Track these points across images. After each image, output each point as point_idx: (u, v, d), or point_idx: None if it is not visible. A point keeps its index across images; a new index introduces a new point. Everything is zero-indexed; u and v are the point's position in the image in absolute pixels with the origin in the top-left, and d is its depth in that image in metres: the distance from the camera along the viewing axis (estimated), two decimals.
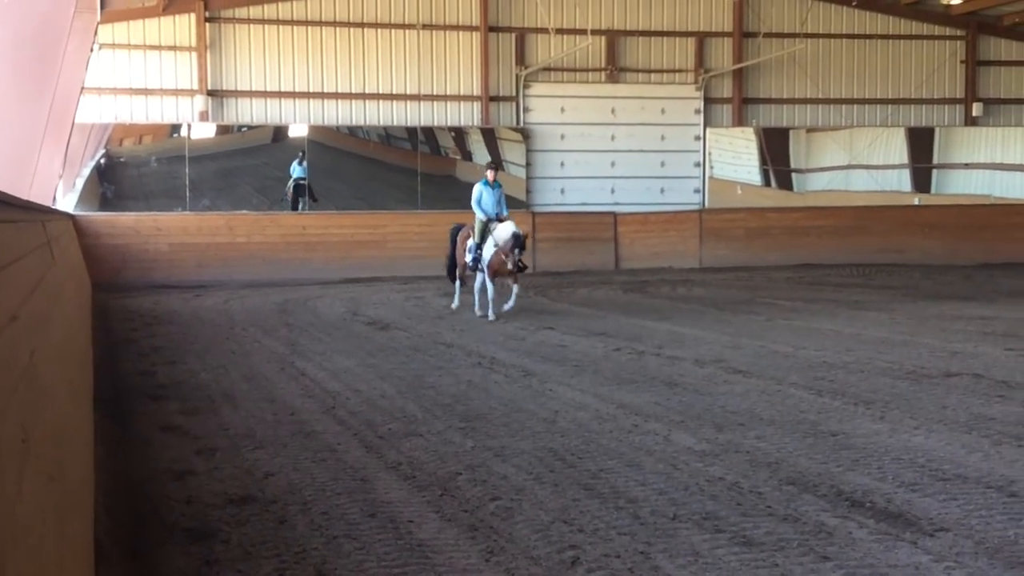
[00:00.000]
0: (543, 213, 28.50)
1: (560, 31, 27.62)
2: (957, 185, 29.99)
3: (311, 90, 27.23)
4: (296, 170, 26.71)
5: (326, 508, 6.10)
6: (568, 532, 5.56)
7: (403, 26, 27.61)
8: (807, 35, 28.90)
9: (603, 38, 28.33)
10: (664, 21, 28.91)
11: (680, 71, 29.13)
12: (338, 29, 27.35)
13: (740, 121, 29.35)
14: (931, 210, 29.47)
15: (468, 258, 16.91)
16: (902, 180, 29.98)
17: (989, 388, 9.55)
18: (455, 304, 17.79)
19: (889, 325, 14.74)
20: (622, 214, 28.76)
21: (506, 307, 16.42)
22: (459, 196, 27.96)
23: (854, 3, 29.03)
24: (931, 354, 11.70)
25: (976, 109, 30.02)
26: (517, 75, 28.28)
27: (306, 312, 17.92)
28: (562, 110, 28.55)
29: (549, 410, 8.92)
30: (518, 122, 28.45)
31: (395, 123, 27.77)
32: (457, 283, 17.78)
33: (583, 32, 26.43)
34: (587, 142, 28.75)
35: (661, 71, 29.05)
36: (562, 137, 28.63)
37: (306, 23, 27.18)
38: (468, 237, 17.04)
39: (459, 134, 28.17)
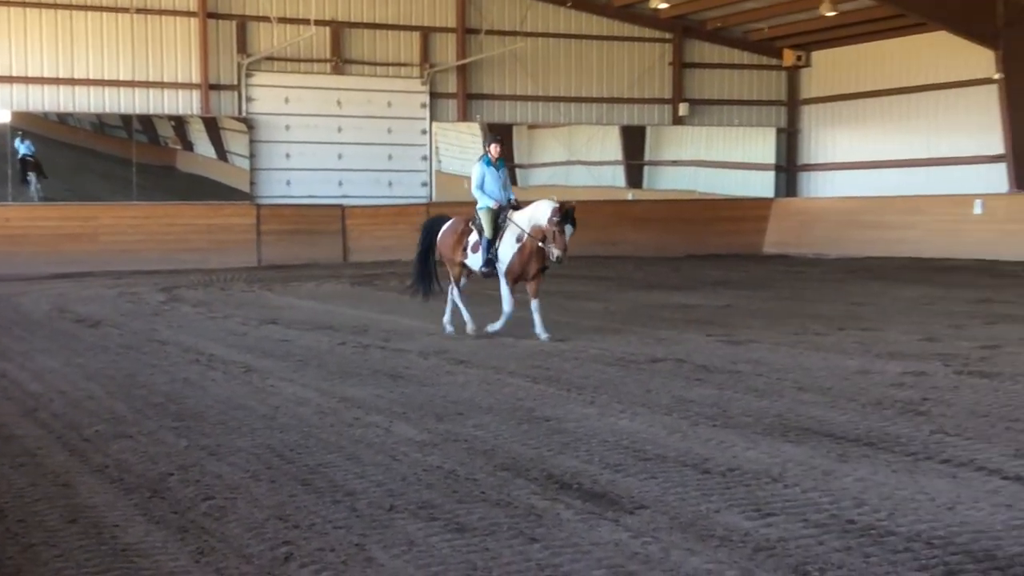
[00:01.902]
0: (268, 205, 27.98)
1: (283, 20, 27.18)
2: (666, 181, 31.71)
3: (13, 74, 25.56)
4: (21, 147, 25.23)
5: (23, 515, 5.76)
6: (283, 528, 5.49)
7: (115, 9, 26.40)
8: (527, 34, 29.75)
9: (328, 29, 28.09)
10: (389, 14, 28.98)
11: (406, 65, 29.29)
12: (43, 11, 25.81)
13: (465, 116, 29.85)
14: (642, 204, 31.01)
15: (474, 261, 13.03)
16: (617, 176, 31.38)
17: (690, 372, 10.16)
18: (466, 324, 13.16)
19: (602, 315, 15.40)
20: (350, 207, 28.65)
21: (494, 326, 12.91)
22: (179, 187, 27.07)
23: (569, 4, 30.08)
24: (639, 341, 12.31)
25: (682, 109, 31.80)
26: (239, 64, 27.60)
27: (8, 310, 16.82)
28: (287, 100, 28.11)
29: (269, 406, 8.77)
30: (241, 112, 27.78)
31: (107, 110, 26.51)
32: (453, 292, 13.37)
33: (306, 22, 26.10)
34: (313, 133, 28.44)
35: (387, 64, 29.12)
36: (287, 128, 28.19)
37: (6, 3, 25.48)
38: (465, 233, 13.19)
39: (179, 123, 27.19)
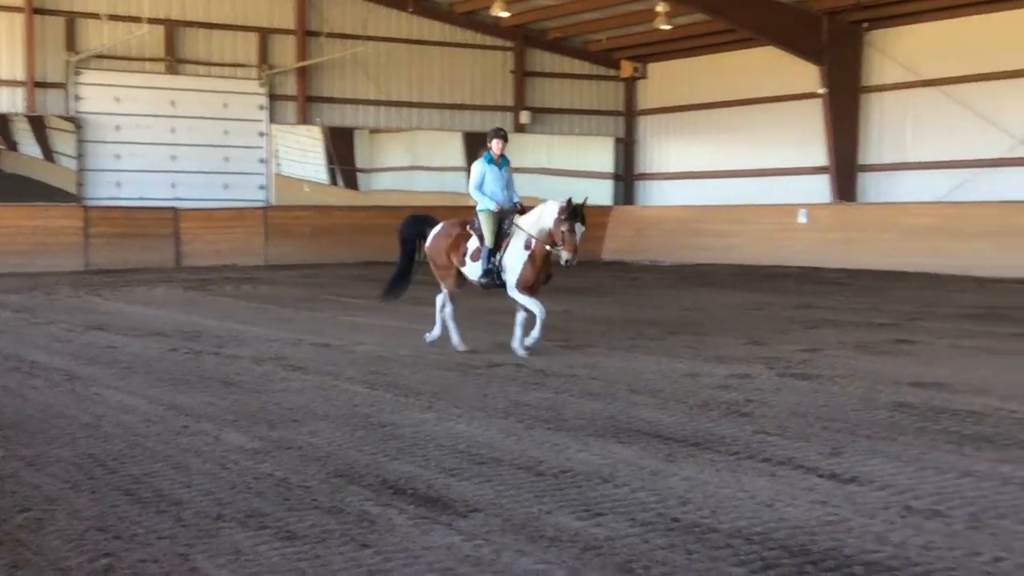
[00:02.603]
0: (97, 207, 27.03)
1: (114, 17, 26.35)
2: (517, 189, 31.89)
3: None
4: None
5: None
6: (103, 540, 5.31)
7: None
8: (368, 38, 29.59)
9: (161, 27, 27.31)
10: (225, 14, 28.40)
11: (243, 66, 28.75)
12: None
13: (305, 119, 29.47)
14: None
15: (473, 270, 11.73)
16: (460, 182, 31.47)
17: (527, 376, 10.26)
18: (455, 341, 11.94)
19: None
20: (184, 210, 27.91)
21: (530, 340, 11.48)
22: (3, 188, 25.85)
23: (410, 9, 30.05)
24: (478, 346, 12.37)
25: (524, 117, 32.16)
26: (67, 61, 26.60)
27: None
28: (117, 100, 27.23)
29: (93, 415, 8.47)
30: (68, 111, 26.75)
31: None
32: (445, 309, 11.99)
33: (139, 20, 25.35)
34: (145, 134, 27.65)
35: (223, 65, 28.52)
36: (118, 128, 27.32)
37: None
38: (462, 237, 11.85)
39: (3, 122, 26.02)
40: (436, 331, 12.11)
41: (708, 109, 31.46)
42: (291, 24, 29.09)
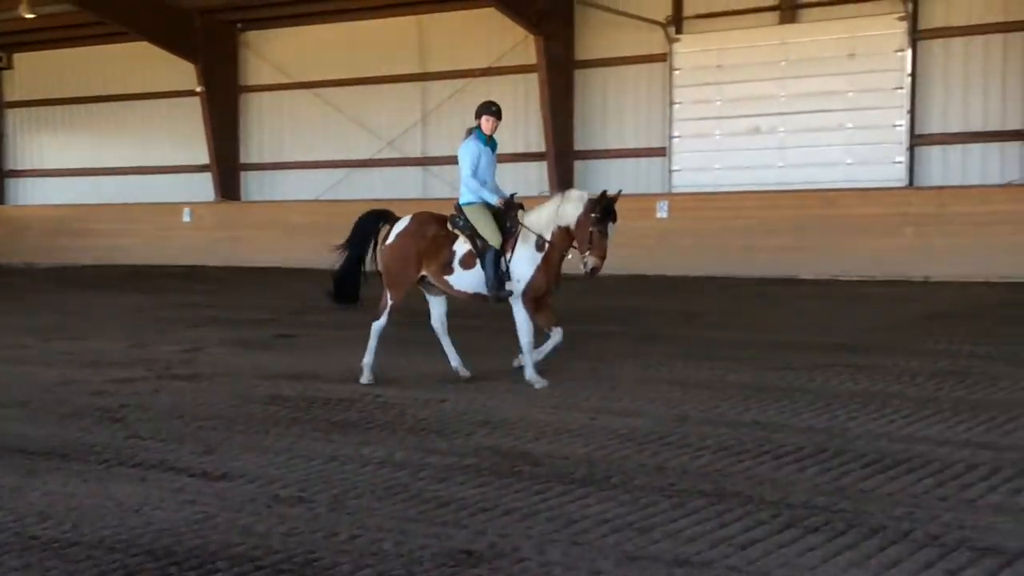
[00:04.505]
0: None
1: None
2: None
3: None
4: None
5: None
6: None
7: None
8: None
9: None
10: None
11: None
12: None
13: None
14: None
15: (465, 280, 9.42)
16: None
17: None
18: (367, 375, 9.61)
19: None
20: None
21: (543, 351, 9.49)
22: None
23: None
24: None
25: None
26: None
27: None
28: None
29: None
30: None
31: None
32: (381, 318, 9.63)
33: None
34: None
35: None
36: None
37: None
38: (442, 238, 9.43)
39: None
40: (369, 364, 9.68)
41: (85, 104, 30.06)
42: None
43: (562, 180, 23.15)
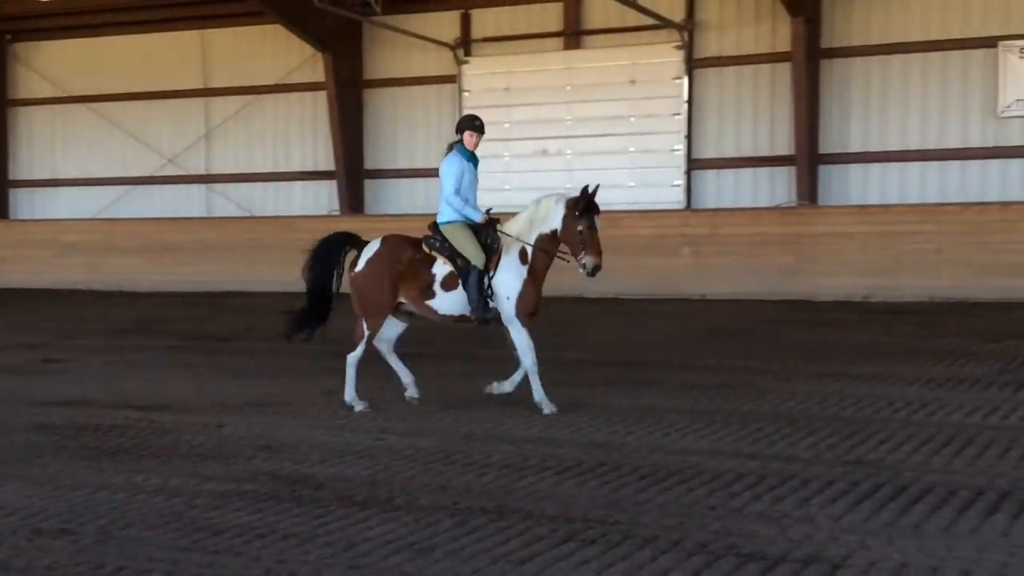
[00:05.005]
0: None
1: None
2: None
3: None
4: None
5: None
6: None
7: None
8: None
9: None
10: None
11: None
12: None
13: None
14: None
15: (449, 303, 8.90)
16: None
17: None
18: (359, 405, 8.99)
19: None
20: None
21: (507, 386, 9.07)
22: None
23: None
24: None
25: None
26: None
27: None
28: None
29: None
30: None
31: None
32: (356, 350, 9.01)
33: None
34: None
35: None
36: None
37: None
38: (418, 262, 8.92)
39: None
40: (353, 391, 9.12)
41: None
42: None
43: (352, 199, 23.00)
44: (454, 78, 22.47)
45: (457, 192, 8.87)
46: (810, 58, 19.43)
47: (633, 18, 20.19)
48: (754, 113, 20.74)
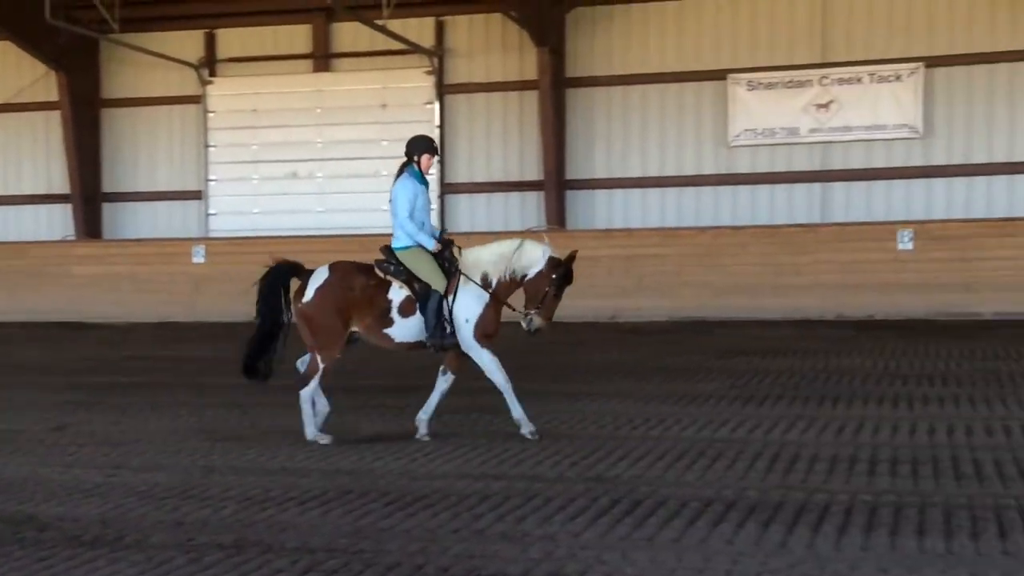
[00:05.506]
0: None
1: None
2: None
3: None
4: None
5: None
6: None
7: None
8: None
9: None
10: None
11: None
12: None
13: None
14: None
15: (407, 330, 8.51)
16: None
17: None
18: (324, 439, 8.44)
19: None
20: None
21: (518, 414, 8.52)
22: None
23: None
24: None
25: None
26: None
27: None
28: None
29: None
30: None
31: None
32: (310, 384, 8.49)
33: None
34: None
35: None
36: None
37: None
38: (376, 288, 8.50)
39: None
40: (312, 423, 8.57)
41: None
42: None
43: (89, 223, 21.94)
44: (199, 98, 21.84)
45: (411, 216, 8.60)
46: (556, 86, 20.04)
47: (383, 42, 20.21)
48: (504, 139, 21.17)
